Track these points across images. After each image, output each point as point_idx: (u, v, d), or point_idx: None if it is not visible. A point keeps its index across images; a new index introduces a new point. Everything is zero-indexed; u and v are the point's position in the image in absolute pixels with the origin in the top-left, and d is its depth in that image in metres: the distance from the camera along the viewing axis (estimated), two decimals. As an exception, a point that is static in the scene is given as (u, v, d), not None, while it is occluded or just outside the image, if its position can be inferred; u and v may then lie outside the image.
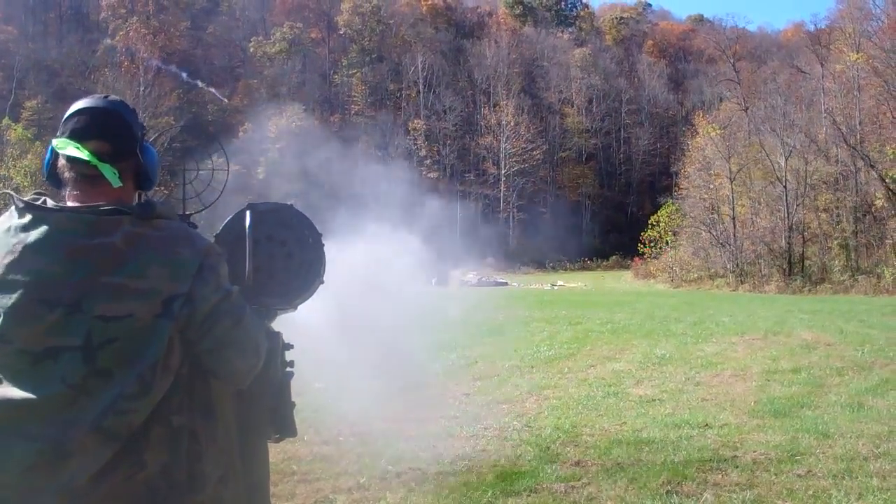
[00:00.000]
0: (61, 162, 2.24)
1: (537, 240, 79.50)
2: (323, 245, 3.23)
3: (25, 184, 68.44)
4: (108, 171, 2.17)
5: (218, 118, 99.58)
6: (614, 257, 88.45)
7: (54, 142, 2.26)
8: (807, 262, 56.92)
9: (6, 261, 2.09)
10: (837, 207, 58.64)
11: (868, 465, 8.18)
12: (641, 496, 7.27)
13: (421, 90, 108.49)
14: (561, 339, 19.99)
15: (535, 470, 8.15)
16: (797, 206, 57.92)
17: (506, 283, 64.34)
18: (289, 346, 3.24)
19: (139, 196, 2.40)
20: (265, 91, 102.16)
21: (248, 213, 2.98)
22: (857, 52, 60.58)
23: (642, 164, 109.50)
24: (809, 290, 51.52)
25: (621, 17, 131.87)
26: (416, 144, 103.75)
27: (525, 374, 14.66)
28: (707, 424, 10.09)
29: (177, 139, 70.51)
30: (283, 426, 3.13)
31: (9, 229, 2.13)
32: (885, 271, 50.81)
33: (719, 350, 17.74)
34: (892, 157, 54.78)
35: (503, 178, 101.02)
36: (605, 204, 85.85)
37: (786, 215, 57.87)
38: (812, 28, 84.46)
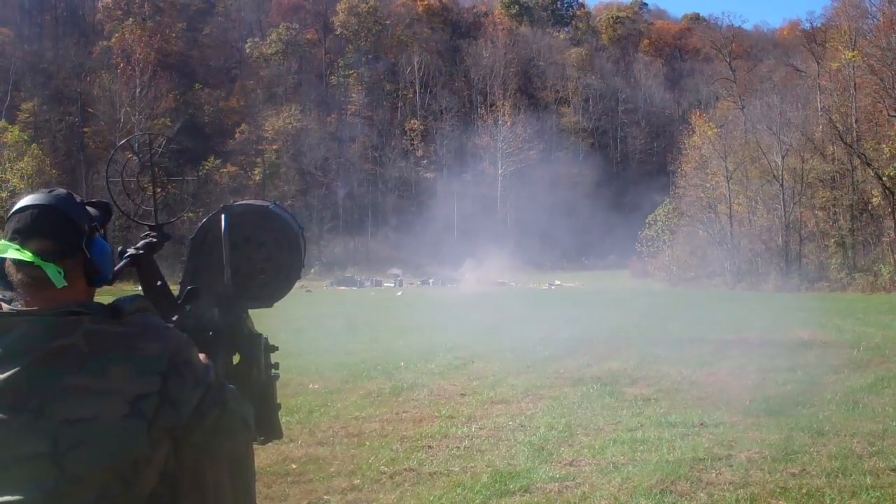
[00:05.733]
0: (8, 265, 2.14)
1: (534, 239, 79.43)
2: (301, 244, 3.21)
3: (21, 186, 68.43)
4: (52, 271, 2.08)
5: (214, 119, 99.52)
6: (612, 256, 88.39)
7: None
8: (804, 261, 56.99)
9: None
10: (834, 205, 58.70)
11: (862, 463, 8.17)
12: (635, 495, 7.25)
13: (417, 90, 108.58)
14: (557, 339, 19.96)
15: (529, 470, 8.13)
16: (794, 204, 58.01)
17: (503, 283, 64.29)
18: (274, 348, 3.20)
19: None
20: (261, 92, 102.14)
21: (223, 216, 2.95)
22: (853, 50, 60.57)
23: (639, 163, 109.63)
24: (806, 289, 51.55)
25: (617, 17, 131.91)
26: (412, 144, 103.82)
27: (521, 374, 14.64)
28: (702, 423, 10.07)
29: (173, 141, 70.57)
30: (269, 428, 3.09)
31: None
32: (882, 269, 50.88)
33: (715, 349, 17.74)
34: (888, 155, 54.81)
35: (500, 178, 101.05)
36: (602, 203, 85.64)
37: (783, 213, 57.95)
38: (808, 26, 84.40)
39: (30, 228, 2.11)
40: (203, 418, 2.25)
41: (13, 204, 2.19)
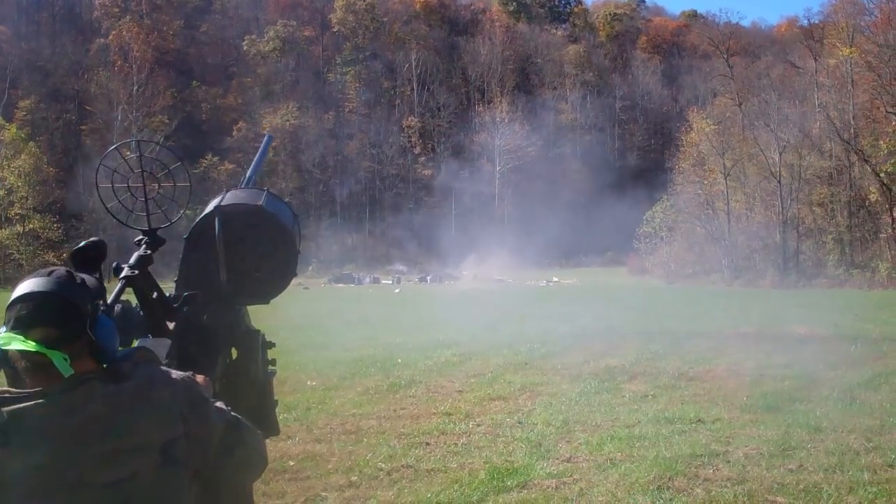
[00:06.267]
0: (12, 353, 2.11)
1: (532, 236, 79.36)
2: (296, 241, 3.20)
3: (19, 184, 68.42)
4: (58, 359, 2.05)
5: (212, 117, 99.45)
6: (609, 253, 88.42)
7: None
8: (801, 257, 57.04)
9: None
10: (832, 202, 58.77)
11: (859, 459, 8.18)
12: (632, 491, 7.26)
13: (415, 87, 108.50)
14: (555, 336, 19.97)
15: (527, 466, 8.13)
16: (791, 200, 58.03)
17: (501, 280, 64.30)
18: (271, 345, 3.21)
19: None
20: (259, 89, 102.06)
21: (217, 218, 2.94)
22: (851, 47, 60.63)
23: (637, 160, 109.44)
24: (804, 285, 51.59)
25: (615, 14, 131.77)
26: (410, 142, 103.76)
27: (518, 371, 14.65)
28: (699, 419, 10.08)
29: (171, 138, 70.55)
30: (265, 425, 3.09)
31: None
32: (880, 265, 50.96)
33: (713, 346, 17.77)
34: (886, 151, 54.87)
35: (498, 175, 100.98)
36: (599, 200, 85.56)
37: (780, 210, 57.98)
38: (805, 23, 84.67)
39: (32, 317, 2.08)
40: (231, 454, 2.32)
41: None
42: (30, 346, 2.04)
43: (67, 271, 2.21)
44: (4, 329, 2.11)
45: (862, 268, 52.44)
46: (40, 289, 2.12)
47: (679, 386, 12.79)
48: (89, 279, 2.27)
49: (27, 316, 2.08)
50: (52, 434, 2.02)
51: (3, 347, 2.08)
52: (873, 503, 6.86)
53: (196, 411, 2.22)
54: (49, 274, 2.17)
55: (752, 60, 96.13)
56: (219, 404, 2.36)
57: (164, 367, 2.31)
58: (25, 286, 2.14)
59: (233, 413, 2.39)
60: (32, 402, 2.04)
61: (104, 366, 2.18)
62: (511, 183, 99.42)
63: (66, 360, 2.06)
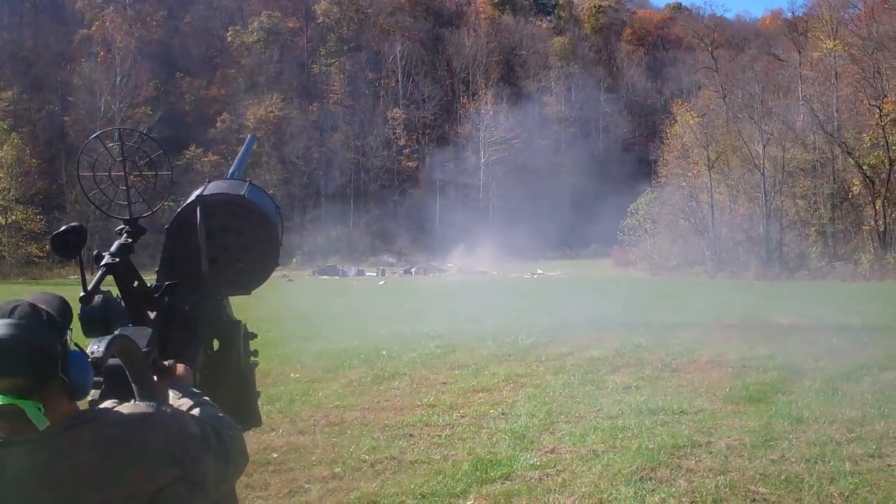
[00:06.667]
0: None
1: (517, 228, 79.44)
2: (279, 232, 3.19)
3: (1, 175, 68.02)
4: (32, 411, 1.88)
5: (195, 108, 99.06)
6: (594, 245, 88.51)
7: None
8: (784, 249, 57.31)
9: None
10: (815, 194, 59.07)
11: (841, 449, 8.23)
12: (615, 482, 7.28)
13: (400, 79, 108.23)
14: (539, 328, 20.00)
15: (511, 458, 8.15)
16: (775, 193, 58.28)
17: (485, 272, 64.37)
18: (253, 336, 3.19)
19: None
20: (243, 81, 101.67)
21: (198, 208, 2.93)
22: (834, 40, 60.93)
23: (621, 153, 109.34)
24: (787, 277, 51.86)
25: (599, 6, 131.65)
26: (394, 133, 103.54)
27: (502, 363, 14.66)
28: (682, 411, 10.12)
29: (155, 129, 70.21)
30: (247, 416, 3.08)
31: None
32: (863, 258, 51.25)
33: (696, 337, 17.83)
34: (869, 144, 55.18)
35: (482, 167, 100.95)
36: (584, 192, 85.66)
37: (764, 202, 58.21)
38: (790, 16, 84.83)
39: None
40: (222, 482, 2.23)
41: None
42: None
43: (31, 306, 1.99)
44: None
45: (844, 260, 52.75)
46: (2, 334, 1.90)
47: (662, 377, 12.83)
48: (53, 302, 2.08)
49: None
50: (36, 484, 1.90)
51: None
52: (854, 493, 6.89)
53: (186, 454, 2.08)
54: (10, 313, 1.95)
55: (737, 53, 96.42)
56: (195, 411, 2.28)
57: (145, 406, 2.13)
58: None
59: (210, 414, 2.31)
60: (13, 449, 1.91)
61: (94, 407, 2.07)
62: (496, 175, 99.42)
63: (39, 409, 1.90)
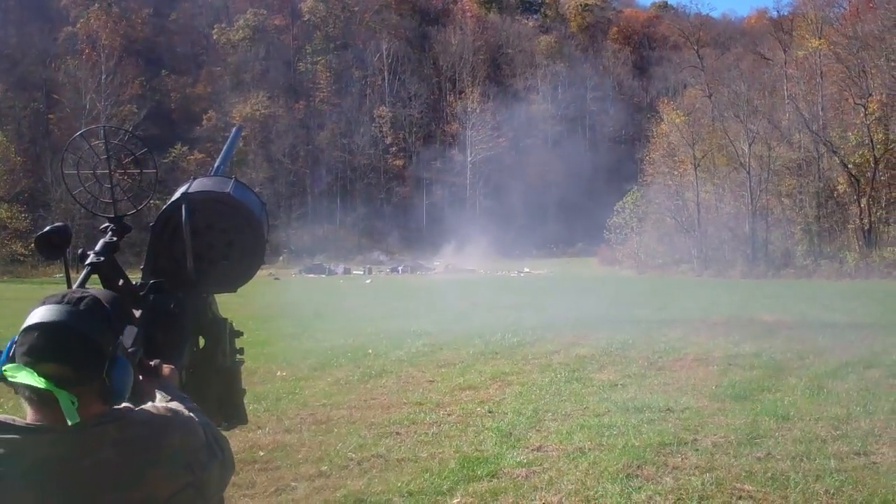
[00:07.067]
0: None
1: (503, 227, 79.56)
2: (264, 229, 3.18)
3: (-14, 173, 67.74)
4: (66, 402, 1.87)
5: (181, 106, 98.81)
6: (580, 244, 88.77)
7: (4, 368, 1.92)
8: (770, 248, 57.44)
9: None
10: (800, 193, 59.21)
11: (826, 447, 8.27)
12: (601, 480, 7.30)
13: (386, 77, 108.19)
14: (525, 326, 20.03)
15: (497, 456, 8.16)
16: (760, 191, 58.41)
17: (472, 271, 64.41)
18: (239, 334, 3.18)
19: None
20: (229, 79, 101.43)
21: (183, 206, 2.92)
22: (820, 39, 61.06)
23: (608, 151, 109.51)
24: (773, 275, 51.97)
25: (586, 4, 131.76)
26: (381, 132, 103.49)
27: (489, 361, 14.67)
28: (668, 408, 10.15)
29: (140, 127, 70.00)
30: (234, 414, 3.07)
31: None
32: (848, 256, 51.38)
33: (682, 335, 17.87)
34: (854, 142, 55.34)
35: (469, 166, 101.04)
36: (570, 191, 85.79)
37: (749, 201, 58.32)
38: (775, 15, 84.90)
39: (45, 350, 1.91)
40: (223, 489, 2.23)
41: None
42: (38, 381, 1.87)
43: (96, 301, 2.00)
44: (13, 345, 1.95)
45: (830, 258, 52.87)
46: (61, 319, 1.93)
47: (648, 375, 12.87)
48: (114, 303, 2.10)
49: (40, 347, 1.91)
50: (56, 476, 1.88)
51: (10, 379, 1.91)
52: (840, 490, 6.92)
53: (197, 460, 2.10)
54: (75, 302, 1.98)
55: (723, 52, 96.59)
56: (196, 417, 2.23)
57: (166, 408, 2.14)
58: (44, 312, 1.96)
59: (204, 421, 2.26)
60: (37, 437, 1.91)
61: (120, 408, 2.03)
62: (483, 173, 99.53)
63: (73, 403, 1.88)
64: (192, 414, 2.22)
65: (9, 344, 1.98)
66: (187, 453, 2.06)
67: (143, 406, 2.10)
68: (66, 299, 1.97)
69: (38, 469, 1.88)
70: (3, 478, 1.85)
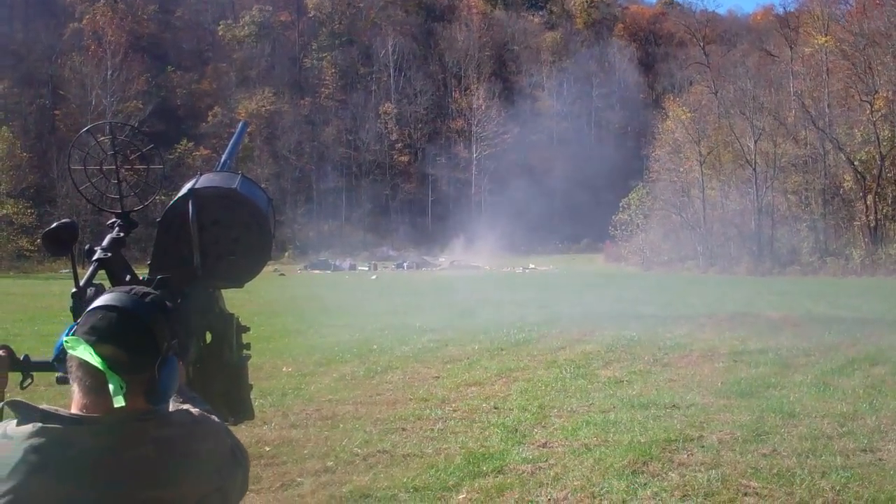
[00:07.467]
0: (72, 359, 2.00)
1: (508, 223, 79.49)
2: (271, 225, 3.18)
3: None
4: (116, 385, 1.93)
5: (187, 102, 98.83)
6: (585, 240, 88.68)
7: (66, 338, 2.00)
8: (776, 244, 57.39)
9: (18, 490, 1.88)
10: (806, 189, 59.15)
11: (832, 444, 8.25)
12: (607, 476, 7.29)
13: (391, 73, 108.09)
14: (531, 322, 20.03)
15: (503, 451, 8.16)
16: (766, 188, 58.34)
17: (477, 267, 64.42)
18: (245, 329, 3.18)
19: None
20: (234, 75, 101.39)
21: (191, 201, 2.92)
22: (826, 36, 60.99)
23: (613, 148, 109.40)
24: (778, 272, 51.98)
25: (592, 1, 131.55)
26: (386, 128, 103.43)
27: (494, 357, 14.67)
28: (674, 405, 10.14)
29: (146, 123, 70.04)
30: (240, 409, 3.08)
31: (17, 449, 1.91)
32: (854, 253, 51.36)
33: (688, 332, 17.86)
34: (860, 139, 55.28)
35: (474, 162, 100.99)
36: (576, 187, 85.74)
37: (755, 198, 58.29)
38: (781, 11, 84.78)
39: (108, 331, 1.98)
40: (243, 496, 2.26)
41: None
42: (95, 359, 1.94)
43: (161, 299, 2.12)
44: (73, 331, 2.02)
45: (836, 255, 52.84)
46: (125, 305, 2.03)
47: (654, 371, 12.86)
48: (162, 305, 2.15)
49: (104, 328, 1.99)
50: (96, 469, 1.92)
51: (69, 351, 1.98)
52: (846, 487, 6.91)
53: (226, 465, 2.15)
54: (142, 294, 2.08)
55: (728, 49, 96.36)
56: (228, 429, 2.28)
57: (200, 415, 2.18)
58: (111, 297, 2.06)
59: (228, 433, 2.30)
60: (80, 428, 1.94)
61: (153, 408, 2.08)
62: (488, 170, 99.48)
63: (122, 388, 1.94)
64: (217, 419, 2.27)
65: (72, 325, 2.06)
66: (217, 458, 2.11)
67: (178, 408, 2.16)
68: (132, 291, 2.08)
69: (80, 460, 1.90)
70: (47, 467, 1.88)
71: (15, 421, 1.96)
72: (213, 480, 2.08)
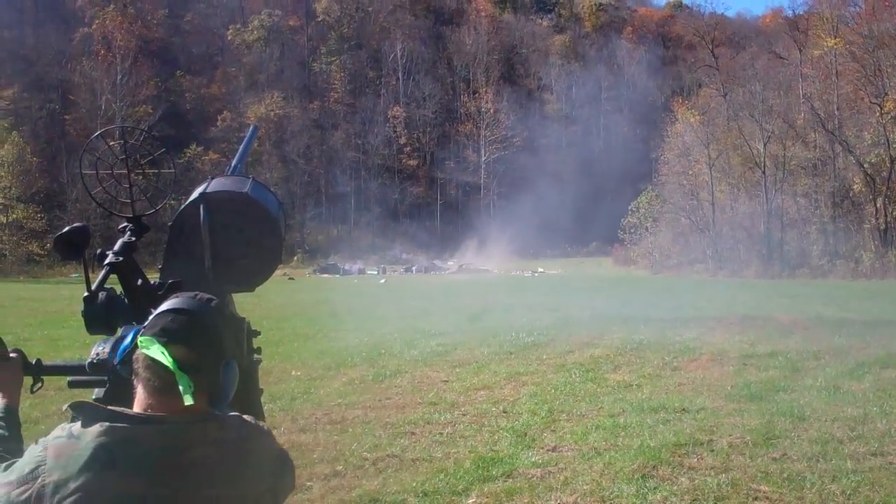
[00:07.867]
0: (139, 358, 2.10)
1: (517, 227, 79.49)
2: (282, 229, 3.19)
3: (2, 174, 68.03)
4: (185, 384, 2.03)
5: (196, 107, 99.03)
6: (594, 244, 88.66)
7: (140, 338, 2.11)
8: (785, 247, 57.30)
9: (88, 487, 1.96)
10: (816, 192, 59.02)
11: (843, 447, 8.22)
12: (617, 480, 7.28)
13: (400, 77, 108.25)
14: (540, 326, 19.99)
15: (512, 456, 8.15)
16: (776, 191, 58.26)
17: (486, 271, 64.44)
18: (256, 333, 3.19)
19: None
20: (243, 79, 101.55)
21: (202, 205, 2.92)
22: (835, 38, 60.91)
23: (622, 151, 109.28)
24: (788, 275, 51.87)
25: (600, 4, 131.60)
26: (395, 132, 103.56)
27: (503, 361, 14.66)
28: (684, 409, 10.12)
29: (155, 128, 70.15)
30: (250, 413, 3.07)
31: (86, 448, 1.98)
32: (864, 256, 51.25)
33: (697, 335, 17.80)
34: (869, 142, 55.17)
35: (483, 166, 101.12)
36: (585, 190, 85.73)
37: (764, 201, 58.20)
38: (790, 14, 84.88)
39: (180, 333, 2.09)
40: (288, 493, 2.36)
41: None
42: (167, 359, 2.04)
43: (225, 307, 2.26)
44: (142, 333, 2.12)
45: (846, 258, 52.74)
46: (194, 309, 2.15)
47: (663, 375, 12.84)
48: (225, 310, 2.29)
49: (176, 330, 2.09)
50: (162, 467, 2.01)
51: (142, 350, 2.08)
52: (856, 491, 6.89)
53: (277, 467, 2.26)
54: (207, 300, 2.20)
55: (738, 51, 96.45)
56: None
57: (251, 422, 2.28)
58: (178, 301, 2.17)
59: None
60: (147, 427, 2.03)
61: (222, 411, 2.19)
62: (497, 173, 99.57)
63: (191, 387, 2.04)
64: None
65: (136, 328, 2.18)
66: (269, 460, 2.23)
67: (230, 413, 2.23)
68: (198, 296, 2.21)
69: (147, 458, 1.99)
70: (115, 466, 1.96)
71: (80, 422, 2.03)
72: (266, 481, 2.19)
